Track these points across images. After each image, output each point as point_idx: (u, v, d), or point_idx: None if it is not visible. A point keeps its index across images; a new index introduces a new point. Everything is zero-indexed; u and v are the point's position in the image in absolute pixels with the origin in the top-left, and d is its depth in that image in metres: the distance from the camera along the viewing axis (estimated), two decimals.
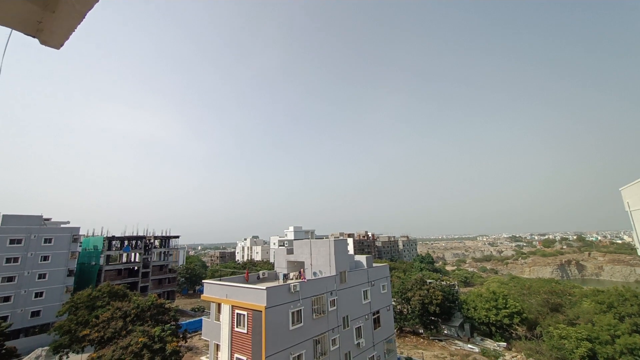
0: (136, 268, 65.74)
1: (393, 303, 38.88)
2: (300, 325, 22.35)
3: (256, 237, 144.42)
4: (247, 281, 27.57)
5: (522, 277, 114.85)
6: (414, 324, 52.26)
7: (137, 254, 67.39)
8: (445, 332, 53.69)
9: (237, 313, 22.10)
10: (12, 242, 48.82)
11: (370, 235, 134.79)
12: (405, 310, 53.81)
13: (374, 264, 33.88)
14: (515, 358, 42.15)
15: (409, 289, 53.68)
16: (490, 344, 49.41)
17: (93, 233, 67.11)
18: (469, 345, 48.04)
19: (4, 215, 50.14)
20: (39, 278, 50.39)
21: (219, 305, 23.94)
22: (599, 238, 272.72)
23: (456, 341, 50.21)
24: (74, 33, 1.82)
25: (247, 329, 21.13)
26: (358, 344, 27.01)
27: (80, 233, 57.41)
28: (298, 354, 21.61)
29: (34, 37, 1.57)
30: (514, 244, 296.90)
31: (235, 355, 21.39)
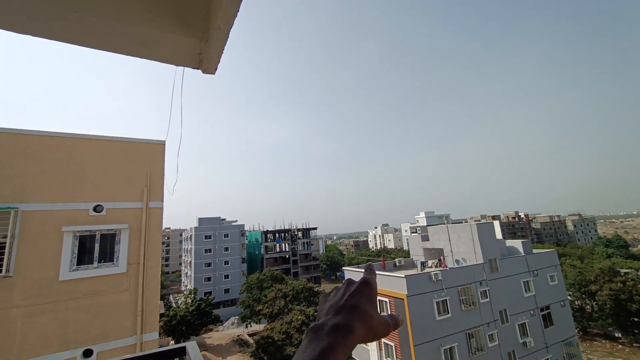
0: (287, 256, 77.30)
1: (569, 298, 31.23)
2: (448, 316, 20.85)
3: (386, 225, 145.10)
4: (384, 269, 27.85)
5: None
6: (604, 325, 40.58)
7: (286, 245, 79.15)
8: None
9: (379, 299, 22.62)
10: (206, 237, 66.17)
11: (523, 216, 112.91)
12: (588, 307, 42.46)
13: (535, 250, 28.08)
14: None
15: (592, 280, 41.93)
16: None
17: (253, 228, 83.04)
18: None
19: (199, 218, 68.50)
20: (225, 264, 66.36)
21: None
22: None
23: None
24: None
25: None
26: (524, 342, 23.02)
27: (245, 229, 72.26)
28: (449, 346, 20.23)
29: (197, 69, 1.90)
30: None
31: (383, 340, 21.96)
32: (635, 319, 39.08)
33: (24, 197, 7.14)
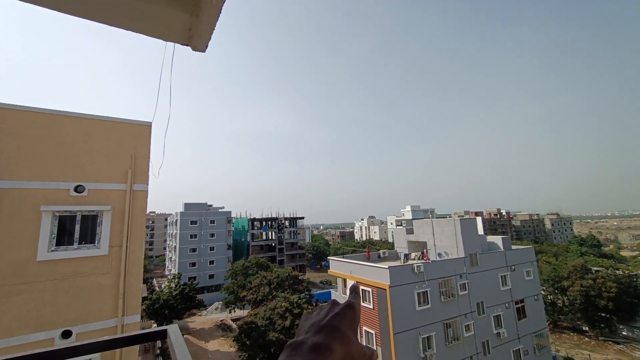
0: (273, 244, 77.58)
1: (542, 292, 32.68)
2: (428, 307, 21.52)
3: (372, 217, 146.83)
4: (368, 259, 28.34)
5: None
6: (573, 319, 42.86)
7: (273, 233, 79.31)
8: (625, 333, 41.79)
9: (361, 289, 23.08)
10: (192, 223, 65.48)
11: (504, 214, 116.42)
12: (559, 302, 44.64)
13: (513, 246, 29.10)
14: None
15: (565, 277, 44.00)
16: None
17: (240, 215, 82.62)
18: None
19: (185, 203, 67.58)
20: (210, 250, 66.05)
21: (345, 280, 25.59)
22: None
23: None
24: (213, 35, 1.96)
25: (373, 305, 21.81)
26: (498, 333, 24.08)
27: (231, 216, 71.84)
28: (427, 335, 20.96)
29: (187, 45, 1.79)
30: None
31: (364, 328, 22.52)
32: (603, 314, 41.41)
33: None
